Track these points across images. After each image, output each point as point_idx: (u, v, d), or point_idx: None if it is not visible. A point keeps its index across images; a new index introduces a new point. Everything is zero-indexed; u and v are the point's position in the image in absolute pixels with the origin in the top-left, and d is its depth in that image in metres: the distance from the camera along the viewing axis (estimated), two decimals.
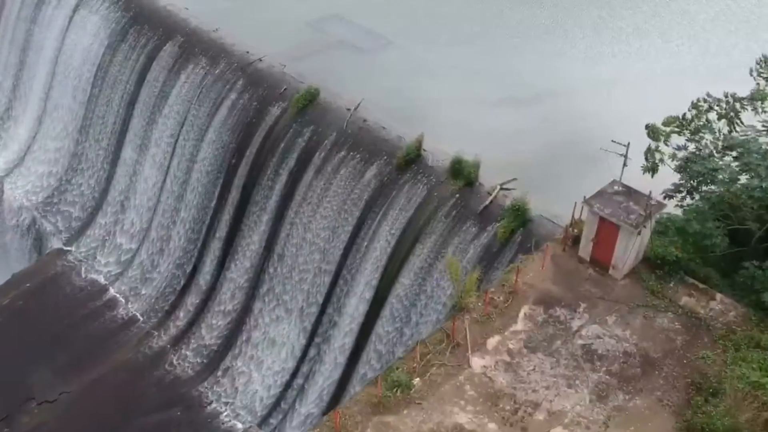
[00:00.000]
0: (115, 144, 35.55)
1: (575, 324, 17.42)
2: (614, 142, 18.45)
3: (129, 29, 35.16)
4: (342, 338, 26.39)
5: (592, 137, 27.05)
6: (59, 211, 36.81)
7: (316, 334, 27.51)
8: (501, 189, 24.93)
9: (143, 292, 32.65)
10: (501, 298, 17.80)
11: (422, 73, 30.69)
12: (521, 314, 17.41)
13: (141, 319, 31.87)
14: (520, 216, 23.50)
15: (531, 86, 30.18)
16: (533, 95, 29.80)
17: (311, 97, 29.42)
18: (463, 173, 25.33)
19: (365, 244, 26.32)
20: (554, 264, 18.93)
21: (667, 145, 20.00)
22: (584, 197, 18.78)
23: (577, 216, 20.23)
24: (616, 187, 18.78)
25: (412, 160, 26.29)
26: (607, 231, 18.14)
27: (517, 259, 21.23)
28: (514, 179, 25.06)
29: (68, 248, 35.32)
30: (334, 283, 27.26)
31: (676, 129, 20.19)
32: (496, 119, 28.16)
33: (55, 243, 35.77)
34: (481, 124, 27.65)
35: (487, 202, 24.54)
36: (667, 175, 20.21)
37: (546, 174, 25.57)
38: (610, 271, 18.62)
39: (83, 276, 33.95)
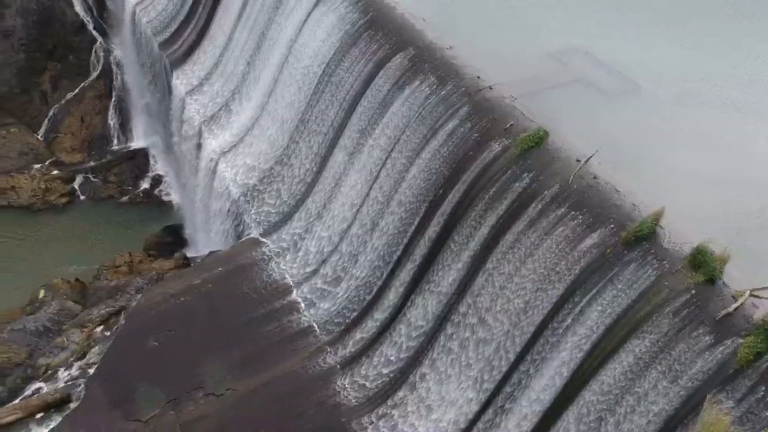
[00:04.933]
0: (327, 146, 34.98)
1: None
2: None
3: (363, 33, 34.18)
4: (518, 420, 23.43)
5: None
6: (262, 200, 37.01)
7: (491, 404, 24.78)
8: (751, 295, 20.55)
9: (324, 303, 31.75)
10: None
11: (676, 133, 26.47)
12: None
13: (317, 331, 30.99)
14: None
15: None
16: None
17: (539, 140, 26.45)
18: (704, 266, 21.15)
19: (569, 320, 23.05)
20: None
21: None
22: None
23: None
24: None
25: (644, 237, 22.44)
26: None
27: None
28: None
29: (264, 240, 35.33)
30: (524, 352, 24.32)
31: None
32: (759, 206, 23.48)
33: (253, 231, 35.98)
34: (740, 210, 23.16)
35: (730, 309, 20.26)
36: None
37: None
38: None
39: (272, 272, 33.75)
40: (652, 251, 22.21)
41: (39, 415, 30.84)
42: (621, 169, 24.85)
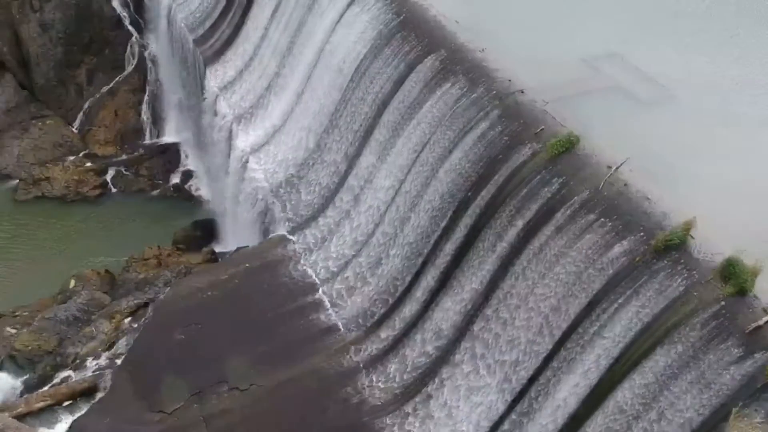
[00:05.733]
0: (357, 145, 35.12)
1: None
2: None
3: (396, 34, 34.25)
4: (543, 425, 23.33)
5: None
6: (291, 198, 37.26)
7: (515, 407, 24.71)
8: None
9: (350, 302, 31.88)
10: None
11: (712, 143, 26.03)
12: None
13: (342, 329, 31.11)
14: None
15: None
16: None
17: (569, 145, 26.30)
18: (735, 278, 20.86)
19: (595, 328, 22.88)
20: None
21: None
22: None
23: None
24: None
25: (675, 246, 22.20)
26: None
27: None
28: None
29: (291, 237, 35.57)
30: (548, 359, 24.21)
31: None
32: None
33: (281, 229, 36.25)
34: None
35: (760, 322, 19.96)
36: None
37: None
38: None
39: (298, 269, 33.95)
40: (682, 261, 21.98)
41: (67, 403, 31.43)
42: (653, 178, 24.58)
